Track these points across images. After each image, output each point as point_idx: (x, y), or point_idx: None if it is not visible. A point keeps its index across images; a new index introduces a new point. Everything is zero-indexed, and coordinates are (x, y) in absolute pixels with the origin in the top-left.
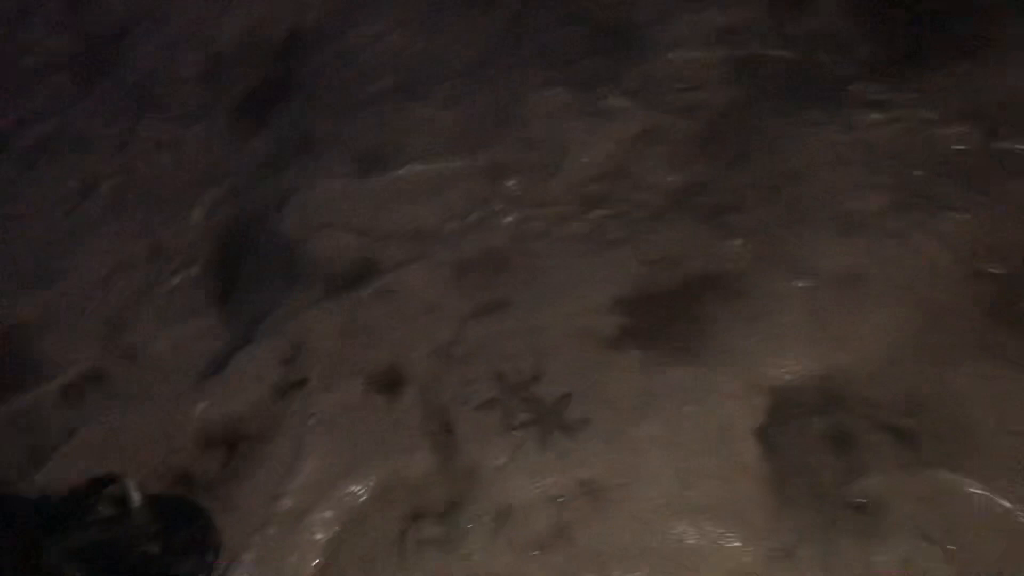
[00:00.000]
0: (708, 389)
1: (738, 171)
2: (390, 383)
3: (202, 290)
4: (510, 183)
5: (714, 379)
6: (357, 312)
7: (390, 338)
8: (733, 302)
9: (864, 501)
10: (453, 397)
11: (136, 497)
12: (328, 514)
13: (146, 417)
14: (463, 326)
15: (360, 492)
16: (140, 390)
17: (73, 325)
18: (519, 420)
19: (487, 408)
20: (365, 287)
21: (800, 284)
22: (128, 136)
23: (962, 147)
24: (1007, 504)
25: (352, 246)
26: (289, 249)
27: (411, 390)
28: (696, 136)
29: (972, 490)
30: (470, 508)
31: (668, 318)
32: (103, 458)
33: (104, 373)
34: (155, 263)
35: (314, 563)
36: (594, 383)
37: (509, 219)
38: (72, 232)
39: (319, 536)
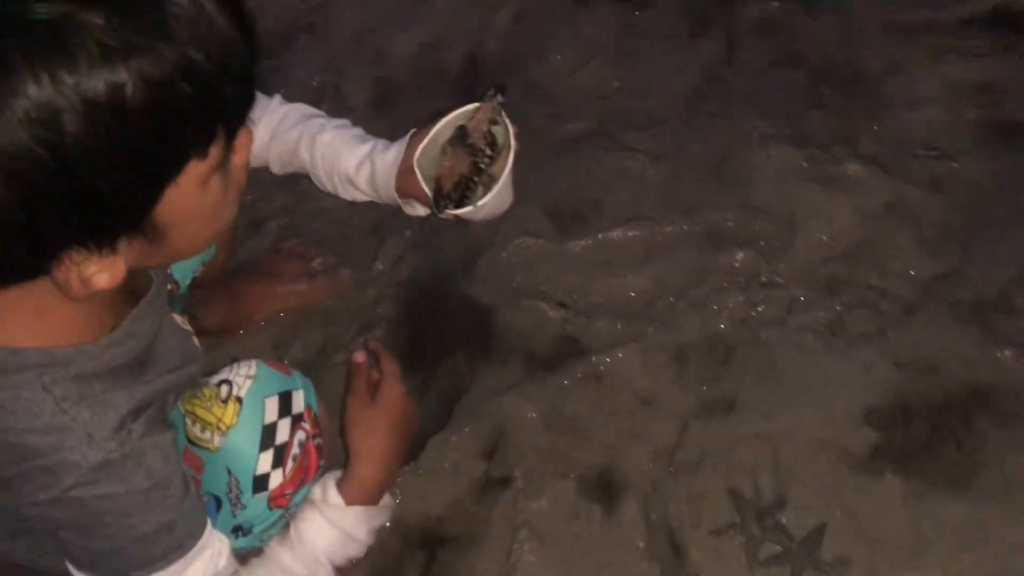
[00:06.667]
0: (987, 533)
1: (1002, 261)
2: (606, 490)
3: None
4: (733, 257)
5: (993, 521)
6: (562, 400)
7: (602, 435)
8: (1007, 425)
9: None
10: (682, 515)
11: None
12: None
13: None
14: (686, 427)
15: None
16: None
17: None
18: (765, 553)
19: (725, 533)
20: (570, 371)
21: None
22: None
23: None
24: None
25: (552, 320)
26: (480, 317)
27: (631, 500)
28: (949, 214)
29: None
30: None
31: (929, 437)
32: None
33: None
34: (334, 325)
35: None
36: (849, 513)
37: (735, 300)
38: None
39: None
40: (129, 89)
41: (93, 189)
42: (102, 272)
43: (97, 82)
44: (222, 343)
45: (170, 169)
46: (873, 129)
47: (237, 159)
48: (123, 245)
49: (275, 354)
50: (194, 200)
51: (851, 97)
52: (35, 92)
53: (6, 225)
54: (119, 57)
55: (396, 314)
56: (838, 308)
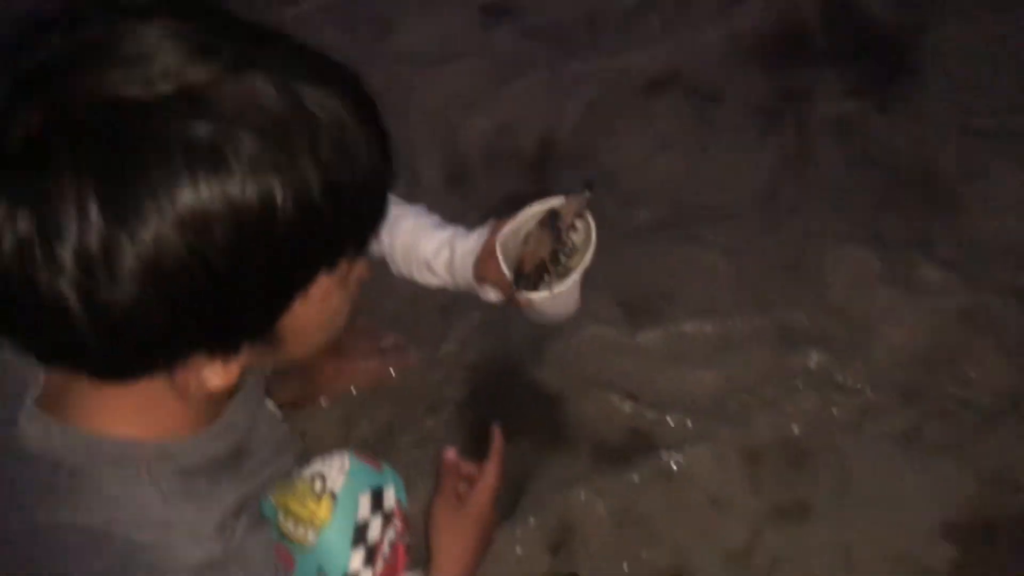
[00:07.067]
0: None
1: None
2: None
3: (453, 442)
4: (807, 357)
5: None
6: (632, 496)
7: (672, 534)
8: None
9: None
10: None
11: None
12: None
13: None
14: (759, 531)
15: None
16: None
17: None
18: None
19: None
20: (639, 465)
21: None
22: None
23: None
24: None
25: (622, 412)
26: (548, 405)
27: None
28: None
29: None
30: None
31: (1014, 555)
32: None
33: None
34: (401, 405)
35: None
36: None
37: (808, 402)
38: None
39: None
40: (278, 204)
41: (232, 297)
42: (218, 375)
43: (250, 195)
44: (290, 418)
45: (304, 281)
46: (950, 233)
47: (356, 270)
48: (244, 350)
49: (342, 431)
50: (317, 310)
51: (927, 200)
52: (192, 200)
53: (146, 328)
54: (271, 174)
55: (463, 397)
56: (915, 416)
